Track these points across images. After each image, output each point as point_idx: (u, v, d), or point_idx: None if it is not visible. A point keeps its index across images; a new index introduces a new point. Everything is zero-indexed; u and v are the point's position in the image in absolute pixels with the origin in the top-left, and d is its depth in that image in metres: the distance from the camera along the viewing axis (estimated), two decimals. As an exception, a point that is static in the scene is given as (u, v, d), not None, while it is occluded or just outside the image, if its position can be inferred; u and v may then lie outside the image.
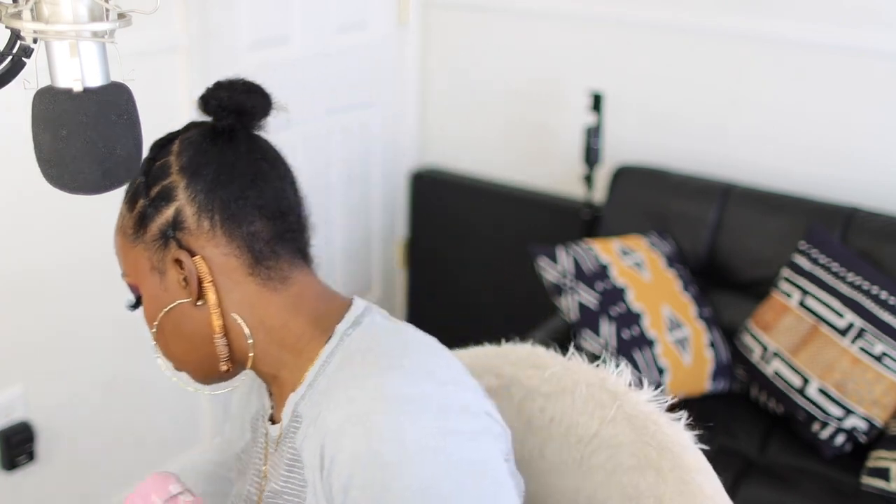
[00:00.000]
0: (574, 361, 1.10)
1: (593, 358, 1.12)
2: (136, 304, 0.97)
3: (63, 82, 0.69)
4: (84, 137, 0.69)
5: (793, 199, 2.26)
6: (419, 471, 0.79)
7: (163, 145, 0.94)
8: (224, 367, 0.93)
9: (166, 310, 0.92)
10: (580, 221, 2.56)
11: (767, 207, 2.25)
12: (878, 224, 2.13)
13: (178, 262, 0.90)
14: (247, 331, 0.91)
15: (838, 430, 1.97)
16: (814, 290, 2.06)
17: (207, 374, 0.96)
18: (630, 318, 2.12)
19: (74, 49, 0.68)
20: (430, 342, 0.91)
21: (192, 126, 0.95)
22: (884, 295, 1.98)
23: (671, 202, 2.35)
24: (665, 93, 2.59)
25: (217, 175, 0.90)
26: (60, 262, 2.04)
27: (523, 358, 1.12)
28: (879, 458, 1.89)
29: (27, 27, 0.67)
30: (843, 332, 1.99)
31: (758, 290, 2.23)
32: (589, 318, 2.13)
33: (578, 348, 2.13)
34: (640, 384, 1.06)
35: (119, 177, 0.72)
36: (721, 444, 2.05)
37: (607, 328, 2.11)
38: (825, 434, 1.98)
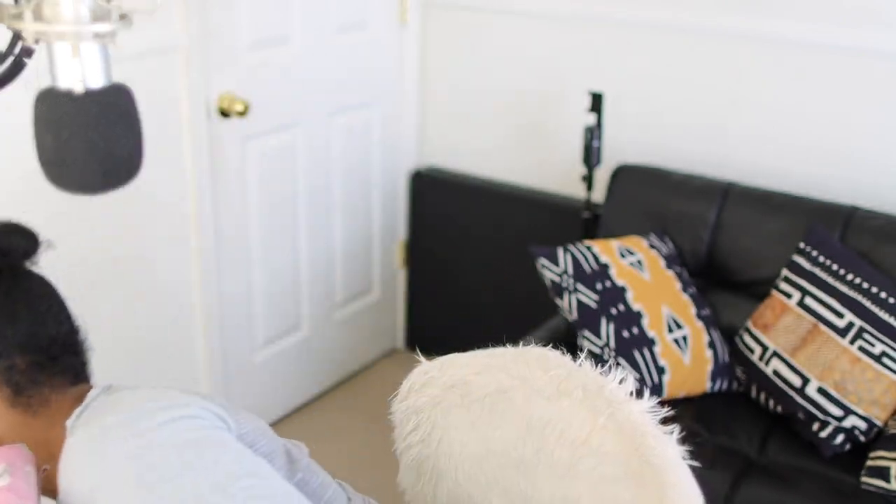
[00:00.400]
0: (582, 366, 1.09)
1: (595, 358, 1.12)
2: None
3: (64, 83, 0.69)
4: (85, 138, 0.69)
5: (793, 199, 2.26)
6: (120, 488, 0.89)
7: None
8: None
9: None
10: (580, 221, 2.56)
11: (767, 207, 2.25)
12: (878, 224, 2.13)
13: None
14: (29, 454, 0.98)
15: (838, 430, 1.97)
16: (813, 290, 2.06)
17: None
18: (630, 318, 2.12)
19: (76, 50, 0.68)
20: (141, 392, 1.00)
21: None
22: (883, 295, 1.98)
23: (671, 202, 2.36)
24: (665, 93, 2.59)
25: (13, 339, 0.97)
26: (60, 262, 2.03)
27: (534, 359, 1.12)
28: (879, 457, 1.89)
29: (29, 28, 0.67)
30: (843, 332, 1.99)
31: (758, 290, 2.23)
32: (589, 318, 2.13)
33: (579, 348, 2.13)
34: (640, 395, 1.05)
35: (120, 177, 0.72)
36: (721, 444, 2.05)
37: (607, 328, 2.11)
38: (825, 434, 1.98)
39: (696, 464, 1.01)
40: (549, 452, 1.08)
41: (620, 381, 1.06)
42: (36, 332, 1.00)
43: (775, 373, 2.06)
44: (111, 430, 0.92)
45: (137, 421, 0.92)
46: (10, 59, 0.72)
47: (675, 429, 1.01)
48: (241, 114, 2.33)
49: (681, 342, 2.13)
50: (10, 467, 0.95)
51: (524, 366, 1.12)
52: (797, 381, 2.01)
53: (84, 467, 0.90)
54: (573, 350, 1.14)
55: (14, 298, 0.99)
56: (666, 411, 1.04)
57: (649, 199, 2.39)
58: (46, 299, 1.04)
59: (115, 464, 0.89)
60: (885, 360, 1.95)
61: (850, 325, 1.99)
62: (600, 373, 1.08)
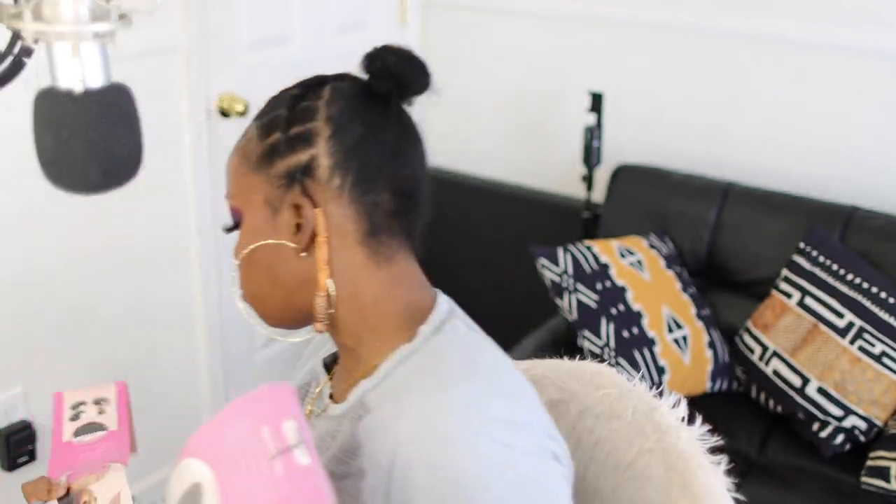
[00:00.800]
0: (636, 387, 1.08)
1: (593, 357, 1.11)
2: (233, 228, 0.94)
3: (64, 83, 0.69)
4: (85, 138, 0.69)
5: (793, 199, 2.26)
6: (494, 485, 0.79)
7: (312, 86, 0.91)
8: (320, 328, 0.91)
9: (263, 243, 0.90)
10: (580, 221, 2.56)
11: (767, 207, 2.25)
12: (878, 224, 2.13)
13: (297, 207, 0.88)
14: (333, 295, 0.89)
15: (838, 430, 1.97)
16: (813, 290, 2.06)
17: (277, 319, 0.94)
18: (630, 318, 2.12)
19: (76, 50, 0.68)
20: (503, 357, 0.92)
21: (345, 77, 0.93)
22: (883, 295, 1.98)
23: (671, 202, 2.36)
24: (665, 93, 2.59)
25: (363, 137, 0.88)
26: (61, 262, 2.04)
27: (588, 375, 1.11)
28: (879, 457, 1.89)
29: (28, 28, 0.67)
30: (843, 332, 1.99)
31: (758, 290, 2.23)
32: (589, 318, 2.13)
33: (579, 348, 2.13)
34: (692, 421, 1.03)
35: (120, 176, 0.72)
36: (721, 444, 2.05)
37: (607, 328, 2.11)
38: (825, 434, 1.98)
39: (741, 498, 1.00)
40: (595, 472, 1.07)
41: (672, 406, 1.04)
42: (407, 175, 0.90)
43: (775, 373, 2.06)
44: (482, 416, 0.81)
45: (513, 431, 0.82)
46: (10, 59, 0.72)
47: (724, 459, 1.00)
48: (241, 114, 2.33)
49: (681, 342, 2.13)
50: (301, 433, 0.73)
51: (578, 381, 1.10)
52: (797, 381, 2.01)
53: (438, 432, 0.79)
54: (573, 351, 1.13)
55: (401, 131, 0.90)
56: (716, 440, 1.02)
57: (649, 199, 2.39)
58: (422, 143, 0.93)
59: (486, 464, 0.79)
60: (885, 360, 1.95)
61: (850, 325, 1.99)
62: (653, 395, 1.07)
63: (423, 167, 0.93)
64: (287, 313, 0.93)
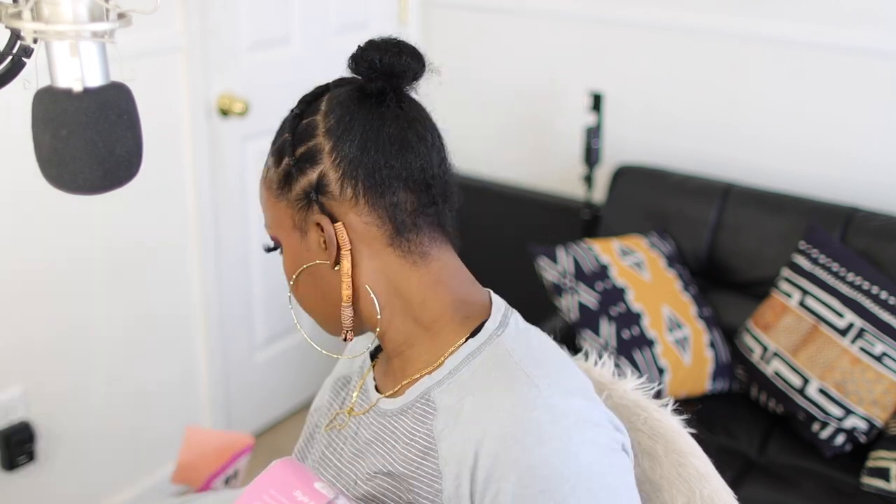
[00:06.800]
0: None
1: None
2: (273, 249, 0.95)
3: (63, 82, 0.69)
4: (84, 137, 0.69)
5: (793, 199, 2.26)
6: (584, 485, 0.79)
7: (310, 101, 0.92)
8: (343, 337, 0.93)
9: (305, 267, 0.91)
10: (580, 221, 2.56)
11: (767, 207, 2.25)
12: (878, 224, 2.13)
13: (319, 225, 0.88)
14: (377, 303, 0.90)
15: (838, 430, 1.97)
16: (814, 290, 2.06)
17: (336, 329, 0.95)
18: (630, 318, 2.12)
19: (74, 49, 0.68)
20: (564, 354, 0.92)
21: (342, 82, 0.93)
22: (884, 295, 1.98)
23: (671, 202, 2.35)
24: (665, 93, 2.59)
25: (363, 142, 0.87)
26: (61, 263, 2.04)
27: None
28: (879, 457, 1.89)
29: (27, 27, 0.67)
30: (843, 332, 1.99)
31: (758, 290, 2.23)
32: (589, 318, 2.13)
33: (579, 348, 2.13)
34: (623, 373, 1.07)
35: (119, 176, 0.72)
36: (721, 444, 2.04)
37: (607, 328, 2.11)
38: (825, 434, 1.98)
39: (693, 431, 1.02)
40: None
41: (601, 364, 1.08)
42: (423, 167, 0.89)
43: (776, 373, 2.06)
44: (571, 416, 0.81)
45: (598, 429, 0.83)
46: (9, 59, 0.72)
47: (669, 400, 1.03)
48: (241, 114, 2.33)
49: (681, 342, 2.13)
50: (333, 489, 0.77)
51: None
52: (797, 382, 2.01)
53: (534, 431, 0.79)
54: (573, 351, 1.14)
55: (402, 125, 0.88)
56: (656, 385, 1.06)
57: (649, 199, 2.39)
58: (431, 129, 0.92)
59: (583, 463, 0.79)
60: (885, 360, 1.94)
61: (851, 325, 1.98)
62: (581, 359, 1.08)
63: (438, 154, 0.91)
64: (338, 326, 0.94)
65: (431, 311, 0.90)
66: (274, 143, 0.93)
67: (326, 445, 0.99)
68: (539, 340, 0.91)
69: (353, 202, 0.87)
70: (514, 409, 0.81)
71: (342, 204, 0.87)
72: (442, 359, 0.88)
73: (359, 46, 0.88)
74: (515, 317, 0.92)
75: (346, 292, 0.89)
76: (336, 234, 0.87)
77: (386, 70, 0.87)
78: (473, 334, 0.89)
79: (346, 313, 0.90)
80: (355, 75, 0.90)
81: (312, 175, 0.88)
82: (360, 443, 0.94)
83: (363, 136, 0.87)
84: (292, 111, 0.92)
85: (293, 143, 0.89)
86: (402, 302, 0.90)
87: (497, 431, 0.80)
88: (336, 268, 0.89)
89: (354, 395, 0.99)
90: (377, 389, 0.96)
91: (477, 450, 0.80)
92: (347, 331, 0.92)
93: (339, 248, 0.88)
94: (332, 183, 0.87)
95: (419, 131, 0.90)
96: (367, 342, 1.01)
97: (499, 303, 0.93)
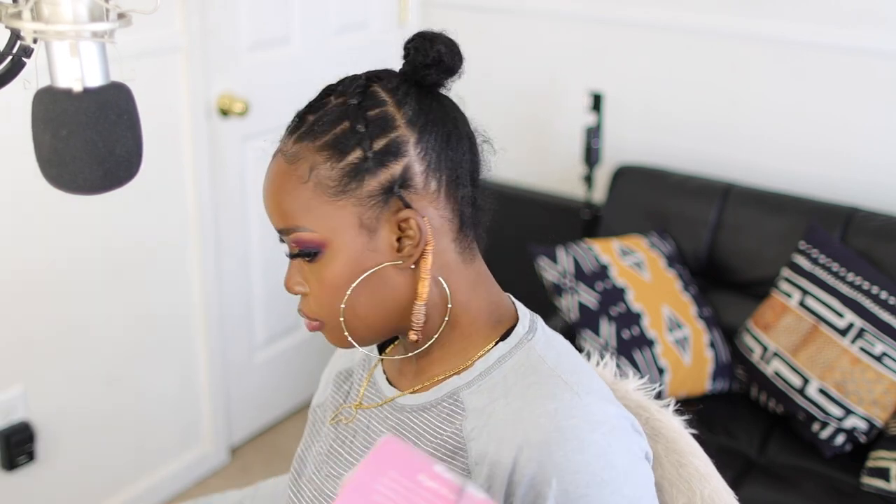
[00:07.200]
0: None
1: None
2: (309, 256, 0.85)
3: (63, 82, 0.69)
4: (84, 137, 0.69)
5: (793, 199, 2.26)
6: (628, 492, 0.80)
7: (358, 91, 0.85)
8: (415, 337, 0.88)
9: (374, 270, 0.84)
10: (580, 221, 2.55)
11: (767, 207, 2.25)
12: (878, 224, 2.13)
13: (403, 221, 0.84)
14: (449, 296, 0.87)
15: (838, 430, 1.97)
16: (814, 290, 2.06)
17: (365, 339, 0.89)
18: (630, 318, 2.12)
19: (74, 49, 0.68)
20: (582, 357, 0.92)
21: (381, 74, 0.88)
22: (884, 295, 1.98)
23: (671, 202, 2.35)
24: (665, 93, 2.59)
25: (445, 134, 0.85)
26: (61, 263, 2.04)
27: None
28: (879, 458, 1.89)
29: (27, 27, 0.67)
30: (843, 332, 1.99)
31: (758, 290, 2.23)
32: (589, 318, 2.12)
33: (579, 349, 2.13)
34: (625, 374, 1.07)
35: (119, 176, 0.72)
36: (721, 444, 2.04)
37: (607, 328, 2.10)
38: (825, 434, 1.98)
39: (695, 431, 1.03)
40: None
41: (603, 365, 1.08)
42: (479, 161, 0.87)
43: (776, 373, 2.06)
44: (607, 423, 0.81)
45: (629, 435, 0.83)
46: (9, 59, 0.72)
47: (671, 401, 1.04)
48: (241, 114, 2.33)
49: (681, 342, 2.13)
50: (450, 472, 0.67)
51: None
52: (797, 382, 2.01)
53: (575, 437, 0.79)
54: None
55: (464, 119, 0.87)
56: (658, 386, 1.07)
57: (649, 199, 2.39)
58: (468, 124, 0.90)
59: (620, 470, 0.80)
60: (885, 360, 1.94)
61: (851, 325, 1.98)
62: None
63: (478, 149, 0.91)
64: (378, 333, 0.89)
65: (470, 312, 0.89)
66: (315, 135, 0.84)
67: (334, 439, 0.97)
68: (563, 345, 0.91)
69: (435, 195, 0.85)
70: (555, 415, 0.80)
71: (423, 197, 0.84)
72: (472, 360, 0.88)
73: (418, 37, 0.86)
74: (540, 321, 0.92)
75: (425, 289, 0.85)
76: (425, 230, 0.84)
77: (446, 62, 0.86)
78: (503, 338, 0.89)
79: (420, 312, 0.86)
80: (411, 64, 0.87)
81: (396, 168, 0.83)
82: (372, 436, 0.93)
83: (443, 127, 0.86)
84: (335, 101, 0.85)
85: (369, 134, 0.83)
86: (453, 301, 0.88)
87: (540, 437, 0.79)
88: (412, 266, 0.85)
89: (362, 388, 0.98)
90: (390, 383, 0.95)
91: (516, 455, 0.80)
92: (418, 329, 0.87)
93: (419, 245, 0.84)
94: (416, 176, 0.84)
95: (464, 125, 0.90)
96: None
97: (522, 308, 0.93)
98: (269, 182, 0.87)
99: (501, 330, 0.89)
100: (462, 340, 0.89)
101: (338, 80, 0.89)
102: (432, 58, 0.85)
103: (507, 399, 0.83)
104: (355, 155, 0.83)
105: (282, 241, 0.88)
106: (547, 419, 0.80)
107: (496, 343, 0.88)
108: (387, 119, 0.84)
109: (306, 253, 0.85)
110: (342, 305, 0.85)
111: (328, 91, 0.87)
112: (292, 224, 0.85)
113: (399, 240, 0.84)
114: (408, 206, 0.84)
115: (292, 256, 0.87)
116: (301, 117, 0.87)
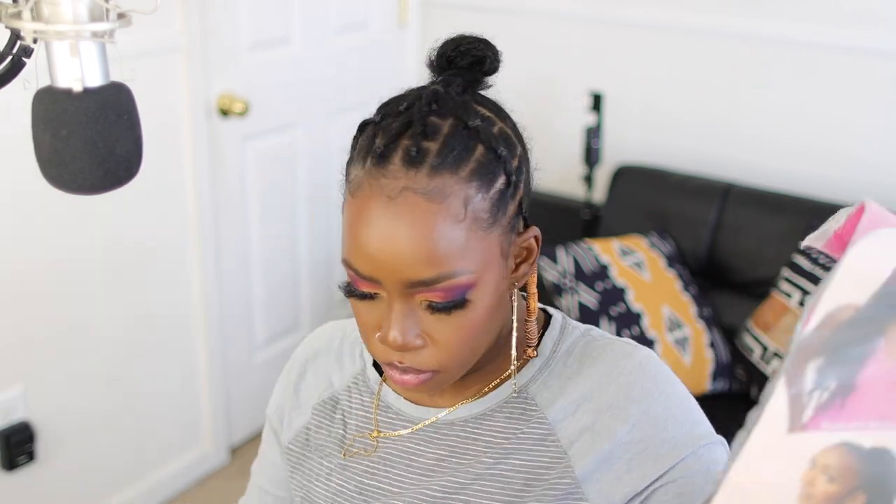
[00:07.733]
0: None
1: None
2: (461, 305, 0.75)
3: (63, 82, 0.69)
4: (84, 137, 0.68)
5: (793, 199, 2.26)
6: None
7: (463, 107, 0.77)
8: (534, 353, 0.84)
9: (497, 300, 0.78)
10: (580, 221, 2.56)
11: (767, 207, 2.25)
12: (878, 224, 2.13)
13: (535, 239, 0.81)
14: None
15: (838, 430, 1.97)
16: (814, 290, 2.06)
17: (465, 368, 0.81)
18: (630, 318, 2.12)
19: (74, 49, 0.68)
20: None
21: (447, 83, 0.80)
22: (884, 295, 1.98)
23: (671, 202, 2.35)
24: (665, 93, 2.59)
25: (525, 144, 0.83)
26: (60, 262, 2.04)
27: None
28: (879, 458, 1.89)
29: (27, 27, 0.67)
30: (843, 332, 1.99)
31: (758, 290, 2.23)
32: (589, 318, 2.13)
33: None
34: None
35: (119, 176, 0.72)
36: (721, 444, 2.05)
37: (607, 328, 2.11)
38: (825, 434, 1.98)
39: None
40: None
41: None
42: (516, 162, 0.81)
43: (776, 373, 2.06)
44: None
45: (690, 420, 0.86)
46: (9, 59, 0.72)
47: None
48: (241, 114, 2.33)
49: (681, 342, 2.13)
50: None
51: None
52: (797, 382, 2.01)
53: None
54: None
55: (504, 115, 0.82)
56: None
57: (649, 199, 2.39)
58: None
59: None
60: (885, 360, 1.94)
61: (851, 325, 1.98)
62: None
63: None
64: (475, 359, 0.81)
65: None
66: (459, 165, 0.73)
67: (362, 473, 0.89)
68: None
69: (525, 204, 0.82)
70: (641, 367, 0.84)
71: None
72: (522, 358, 0.86)
73: (471, 41, 0.81)
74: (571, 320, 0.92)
75: (536, 305, 0.84)
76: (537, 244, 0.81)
77: (488, 65, 0.83)
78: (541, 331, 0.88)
79: (534, 329, 0.84)
80: (472, 70, 0.81)
81: (521, 187, 0.79)
82: (418, 460, 0.87)
83: (521, 137, 0.84)
84: (460, 121, 0.75)
85: (506, 157, 0.76)
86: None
87: (637, 391, 0.82)
88: (518, 284, 0.83)
89: (373, 415, 0.91)
90: (414, 403, 0.89)
91: (622, 414, 0.81)
92: (536, 345, 0.85)
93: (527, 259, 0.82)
94: (524, 190, 0.80)
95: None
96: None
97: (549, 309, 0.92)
98: (409, 228, 0.72)
99: (539, 325, 0.88)
100: (500, 348, 0.86)
101: (396, 98, 0.80)
102: (490, 65, 0.81)
103: (581, 377, 0.84)
104: (501, 181, 0.76)
105: (369, 296, 0.76)
106: (637, 372, 0.83)
107: (541, 336, 0.87)
108: (507, 136, 0.78)
109: (455, 303, 0.74)
110: (475, 345, 0.78)
111: (413, 114, 0.75)
112: (448, 271, 0.73)
113: (520, 257, 0.81)
114: (528, 224, 0.81)
115: (437, 310, 0.74)
116: (418, 147, 0.73)
